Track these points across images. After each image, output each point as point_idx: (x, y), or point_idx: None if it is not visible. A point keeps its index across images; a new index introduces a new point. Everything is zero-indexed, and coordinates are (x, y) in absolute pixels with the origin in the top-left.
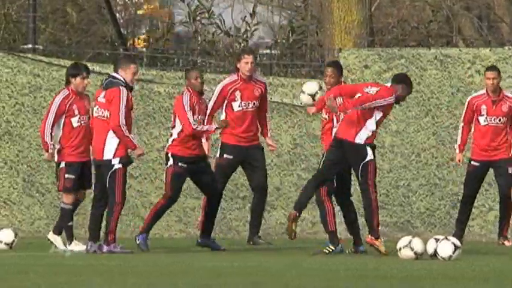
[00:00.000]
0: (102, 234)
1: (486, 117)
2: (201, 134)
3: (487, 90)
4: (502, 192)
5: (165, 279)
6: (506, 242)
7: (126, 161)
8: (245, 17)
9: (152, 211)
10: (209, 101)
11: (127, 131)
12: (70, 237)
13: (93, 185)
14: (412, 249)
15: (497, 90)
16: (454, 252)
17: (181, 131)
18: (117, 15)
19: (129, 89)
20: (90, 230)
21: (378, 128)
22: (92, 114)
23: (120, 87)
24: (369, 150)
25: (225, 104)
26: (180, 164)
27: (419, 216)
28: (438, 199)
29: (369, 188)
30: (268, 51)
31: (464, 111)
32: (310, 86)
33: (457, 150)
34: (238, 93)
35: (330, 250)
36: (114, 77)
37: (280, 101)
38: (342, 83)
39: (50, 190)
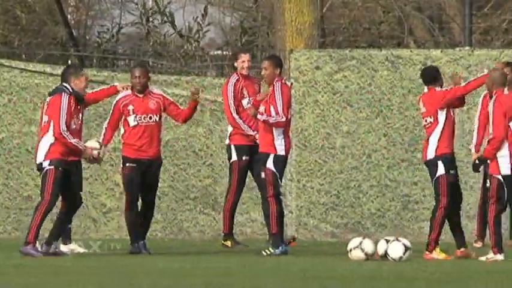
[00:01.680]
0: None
1: None
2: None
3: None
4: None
5: (122, 279)
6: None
7: (58, 163)
8: (197, 17)
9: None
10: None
11: (69, 136)
12: (68, 239)
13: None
14: (362, 250)
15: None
16: (404, 253)
17: (124, 132)
18: (69, 16)
19: (80, 98)
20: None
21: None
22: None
23: (63, 94)
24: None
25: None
26: (128, 164)
27: (370, 217)
28: (389, 200)
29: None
30: (219, 52)
31: (479, 109)
32: None
33: (473, 150)
34: (245, 91)
35: (268, 252)
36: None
37: None
38: (280, 78)
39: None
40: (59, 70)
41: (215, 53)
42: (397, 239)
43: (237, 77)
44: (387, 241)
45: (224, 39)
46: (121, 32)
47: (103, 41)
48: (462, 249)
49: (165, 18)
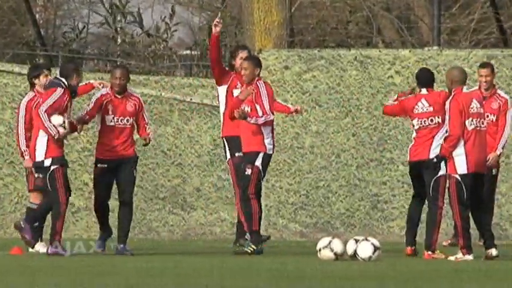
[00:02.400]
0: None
1: None
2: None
3: (479, 88)
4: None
5: (92, 279)
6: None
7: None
8: (164, 17)
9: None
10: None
11: (46, 118)
12: (39, 238)
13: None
14: (332, 249)
15: (489, 88)
16: (373, 253)
17: (100, 129)
18: (37, 16)
19: (74, 93)
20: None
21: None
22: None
23: (58, 88)
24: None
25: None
26: (99, 165)
27: (339, 217)
28: (358, 200)
29: None
30: (188, 52)
31: None
32: None
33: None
34: (238, 83)
35: (252, 249)
36: (57, 78)
37: (200, 102)
38: (259, 77)
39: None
40: (27, 70)
41: (184, 52)
42: (366, 239)
43: (233, 76)
44: (356, 241)
45: (193, 39)
46: (89, 31)
47: (68, 40)
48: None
49: (132, 18)
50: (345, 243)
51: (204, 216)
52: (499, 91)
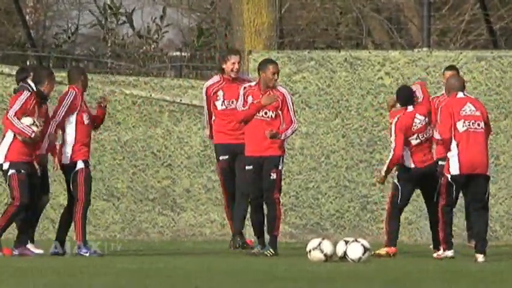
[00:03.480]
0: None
1: None
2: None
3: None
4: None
5: (82, 279)
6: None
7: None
8: (155, 18)
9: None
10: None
11: (17, 121)
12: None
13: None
14: (321, 251)
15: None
16: (363, 254)
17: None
18: (27, 17)
19: (43, 96)
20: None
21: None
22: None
23: (24, 91)
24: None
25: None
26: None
27: (329, 218)
28: (348, 201)
29: None
30: (178, 53)
31: None
32: None
33: None
34: (221, 93)
35: (271, 253)
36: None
37: (190, 103)
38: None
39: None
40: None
41: (174, 54)
42: (356, 240)
43: (217, 80)
44: (346, 242)
45: (182, 40)
46: (79, 33)
47: (60, 41)
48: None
49: (124, 18)
50: (334, 244)
51: (193, 217)
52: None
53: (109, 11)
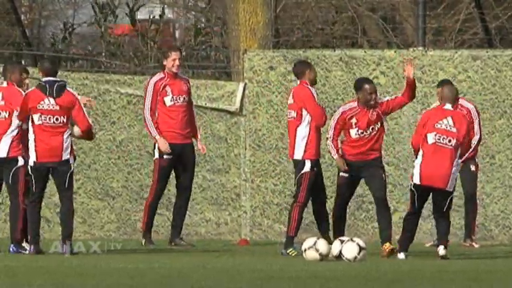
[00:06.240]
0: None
1: None
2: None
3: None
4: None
5: (74, 279)
6: (474, 244)
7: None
8: (153, 17)
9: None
10: None
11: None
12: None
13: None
14: (317, 250)
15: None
16: (358, 254)
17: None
18: (22, 16)
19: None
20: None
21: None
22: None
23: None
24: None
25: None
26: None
27: None
28: None
29: None
30: None
31: None
32: None
33: None
34: (169, 89)
35: (297, 252)
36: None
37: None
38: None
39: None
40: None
41: None
42: (352, 239)
43: (162, 76)
44: (341, 241)
45: (178, 39)
46: (74, 31)
47: (57, 40)
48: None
49: (126, 14)
50: (330, 243)
51: (188, 216)
52: (461, 101)
53: (108, 9)
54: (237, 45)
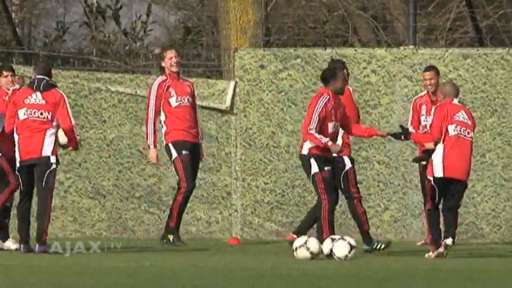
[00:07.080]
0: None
1: (426, 117)
2: None
3: (427, 92)
4: None
5: (67, 278)
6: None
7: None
8: (140, 15)
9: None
10: None
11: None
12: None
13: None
14: (308, 249)
15: (437, 91)
16: (349, 252)
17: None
18: (13, 15)
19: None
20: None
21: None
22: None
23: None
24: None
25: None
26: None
27: None
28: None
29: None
30: None
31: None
32: None
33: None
34: (172, 90)
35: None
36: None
37: None
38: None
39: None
40: None
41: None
42: (343, 238)
43: (164, 78)
44: (332, 240)
45: (168, 38)
46: (65, 31)
47: (50, 39)
48: None
49: (111, 15)
50: (321, 242)
51: None
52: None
53: (96, 11)
54: (228, 43)
